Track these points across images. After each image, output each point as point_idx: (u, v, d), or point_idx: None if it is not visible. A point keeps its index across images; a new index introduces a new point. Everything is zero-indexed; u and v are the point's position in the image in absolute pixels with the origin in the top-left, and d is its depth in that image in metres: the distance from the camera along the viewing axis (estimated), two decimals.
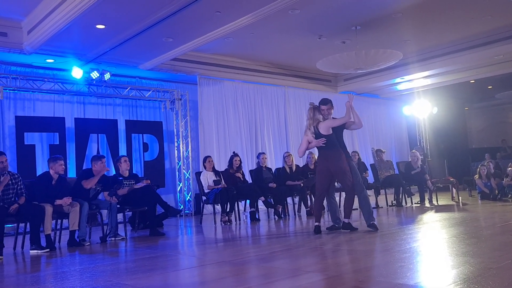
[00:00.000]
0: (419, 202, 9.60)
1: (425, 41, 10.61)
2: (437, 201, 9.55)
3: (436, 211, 7.98)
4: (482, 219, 6.62)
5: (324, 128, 5.83)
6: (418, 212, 8.13)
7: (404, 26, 9.33)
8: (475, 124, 19.18)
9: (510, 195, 9.81)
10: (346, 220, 5.89)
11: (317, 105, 5.98)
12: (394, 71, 12.07)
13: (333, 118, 6.02)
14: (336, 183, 6.47)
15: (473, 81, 13.76)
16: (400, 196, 9.60)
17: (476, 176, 10.34)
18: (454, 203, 9.49)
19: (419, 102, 14.38)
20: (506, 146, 16.62)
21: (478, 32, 10.11)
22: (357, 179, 5.94)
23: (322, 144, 5.81)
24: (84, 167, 9.12)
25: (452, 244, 4.39)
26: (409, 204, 9.68)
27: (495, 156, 14.09)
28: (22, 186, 5.92)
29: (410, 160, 10.10)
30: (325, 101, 6.00)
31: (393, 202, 9.67)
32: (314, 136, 5.86)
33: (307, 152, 10.14)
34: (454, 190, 9.93)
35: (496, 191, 9.81)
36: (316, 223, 5.86)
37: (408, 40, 10.30)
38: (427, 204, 9.27)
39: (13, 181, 5.82)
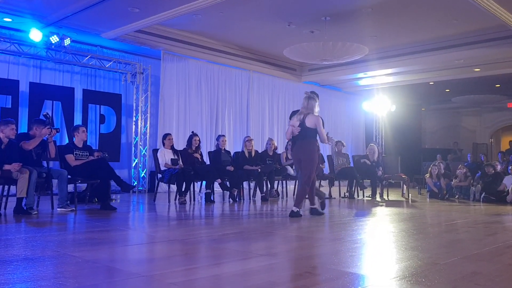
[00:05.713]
0: (370, 196, 9.81)
1: (390, 39, 10.75)
2: (387, 196, 9.77)
3: (386, 206, 8.17)
4: (429, 216, 6.82)
5: (311, 121, 5.93)
6: (369, 205, 8.31)
7: (372, 21, 9.42)
8: (430, 125, 19.77)
9: (457, 196, 10.22)
10: (294, 209, 5.89)
11: (312, 94, 6.07)
12: (358, 66, 12.18)
13: (322, 120, 6.08)
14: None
15: (432, 83, 14.12)
16: (353, 189, 9.78)
17: (427, 175, 10.65)
18: (404, 199, 9.75)
19: (379, 98, 14.60)
20: (457, 149, 17.29)
21: (443, 35, 10.32)
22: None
23: (297, 132, 5.94)
24: None
25: (401, 238, 4.50)
26: (361, 197, 9.88)
27: (446, 158, 14.54)
28: None
29: (367, 153, 10.26)
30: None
31: (346, 194, 9.84)
32: (298, 123, 5.97)
33: (266, 138, 10.23)
34: (405, 187, 10.20)
35: (445, 191, 10.14)
36: (311, 206, 6.18)
37: (375, 36, 10.41)
38: (378, 199, 9.48)
39: None
